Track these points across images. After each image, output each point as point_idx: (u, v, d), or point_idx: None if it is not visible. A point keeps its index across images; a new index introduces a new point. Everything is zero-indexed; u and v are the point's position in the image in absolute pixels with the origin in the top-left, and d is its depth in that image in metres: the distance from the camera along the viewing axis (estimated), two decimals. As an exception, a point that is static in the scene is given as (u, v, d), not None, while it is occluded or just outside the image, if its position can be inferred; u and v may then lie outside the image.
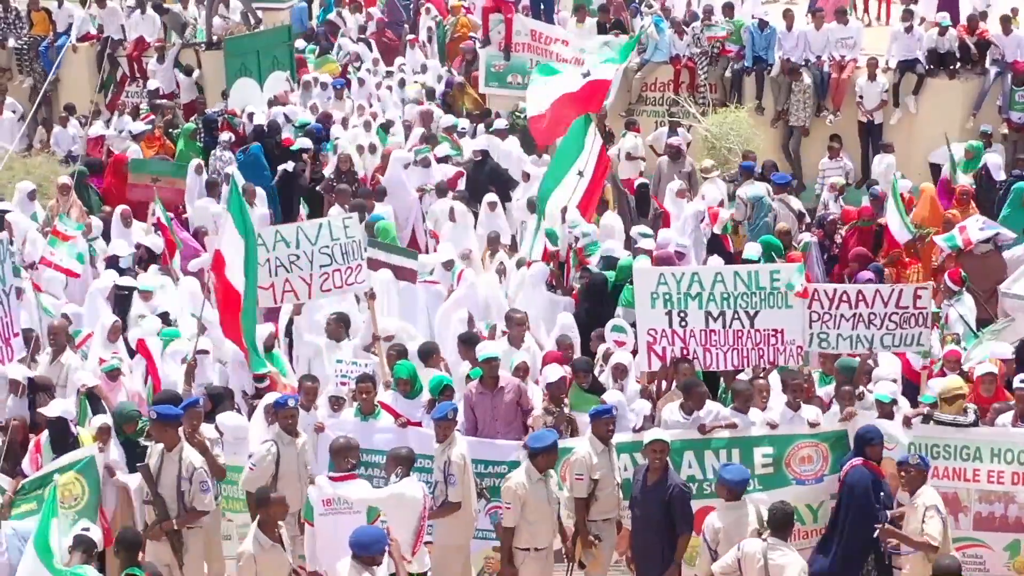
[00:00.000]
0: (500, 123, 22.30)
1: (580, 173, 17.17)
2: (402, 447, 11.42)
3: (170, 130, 23.09)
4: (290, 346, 14.87)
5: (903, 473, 11.04)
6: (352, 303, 15.55)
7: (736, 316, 12.63)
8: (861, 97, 22.42)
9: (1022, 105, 21.81)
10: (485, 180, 20.51)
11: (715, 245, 17.94)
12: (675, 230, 17.90)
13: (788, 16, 23.39)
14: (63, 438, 12.18)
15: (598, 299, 15.43)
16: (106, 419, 12.45)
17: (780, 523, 10.42)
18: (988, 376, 12.94)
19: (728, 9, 23.94)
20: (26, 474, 12.05)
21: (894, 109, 22.54)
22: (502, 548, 11.62)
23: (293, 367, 14.52)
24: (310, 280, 13.86)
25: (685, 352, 12.74)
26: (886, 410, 12.20)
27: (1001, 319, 14.63)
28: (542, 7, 25.48)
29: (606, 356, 13.86)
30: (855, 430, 11.87)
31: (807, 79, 22.52)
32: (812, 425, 12.21)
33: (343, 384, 13.24)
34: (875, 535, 11.07)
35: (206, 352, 14.02)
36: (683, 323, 12.69)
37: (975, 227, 16.56)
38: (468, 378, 13.17)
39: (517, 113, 23.19)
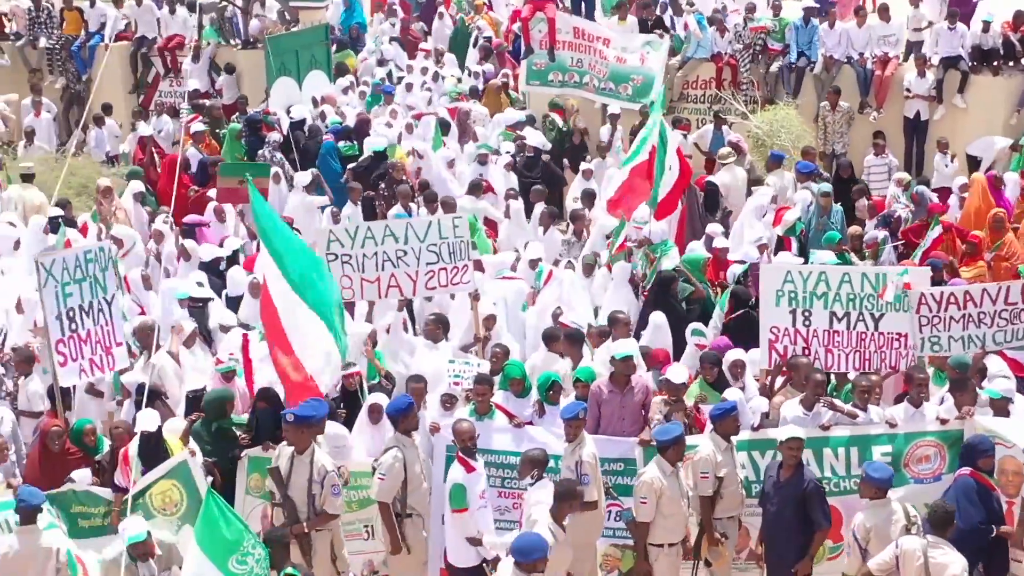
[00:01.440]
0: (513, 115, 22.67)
1: (669, 167, 17.18)
2: (535, 449, 11.46)
3: (215, 130, 22.98)
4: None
5: None
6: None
7: (861, 318, 12.71)
8: (909, 92, 22.56)
9: (1066, 101, 22.06)
10: (537, 176, 20.60)
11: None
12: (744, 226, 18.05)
13: (831, 14, 23.50)
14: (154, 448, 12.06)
15: (666, 297, 15.48)
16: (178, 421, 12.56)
17: (941, 521, 10.42)
18: None
19: (776, 8, 24.02)
20: (119, 486, 11.97)
21: (939, 105, 22.71)
22: (637, 545, 11.68)
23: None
24: (416, 276, 13.96)
25: (807, 352, 12.80)
26: (1000, 407, 12.20)
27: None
28: (583, 5, 25.46)
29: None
30: (971, 432, 11.88)
31: (843, 105, 22.66)
32: (943, 422, 12.20)
33: (456, 384, 13.25)
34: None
35: None
36: (807, 322, 12.77)
37: None
38: (577, 379, 13.10)
39: (551, 117, 23.40)
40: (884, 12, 23.33)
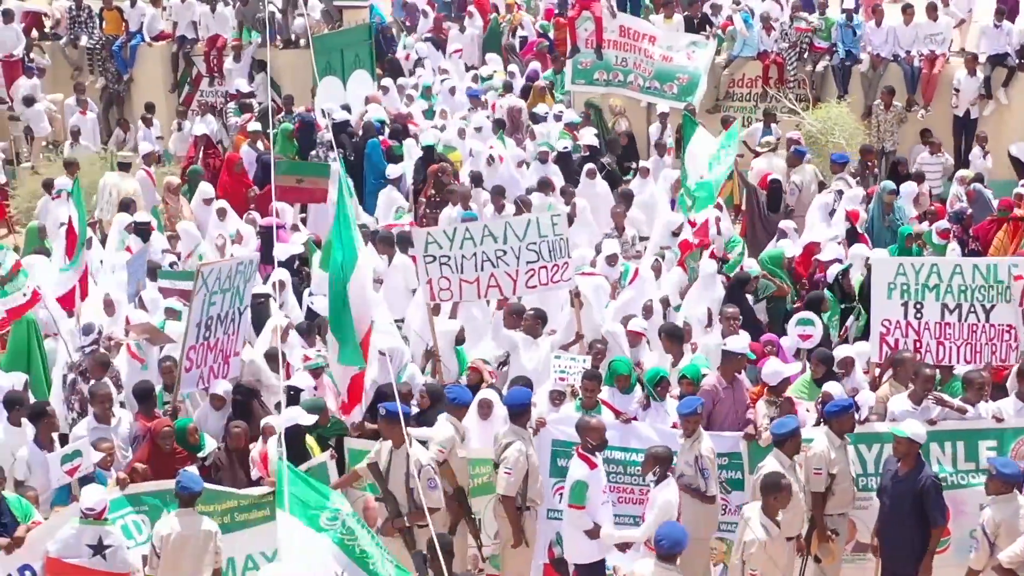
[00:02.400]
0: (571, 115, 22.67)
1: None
2: (659, 446, 11.49)
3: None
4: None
5: None
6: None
7: (972, 310, 12.76)
8: (957, 91, 22.70)
9: (1110, 98, 22.23)
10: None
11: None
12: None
13: (877, 12, 23.63)
14: (297, 446, 12.10)
15: (741, 294, 15.57)
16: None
17: None
18: None
19: (822, 7, 24.12)
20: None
21: (987, 102, 22.85)
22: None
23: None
24: (516, 276, 13.93)
25: (918, 344, 12.85)
26: None
27: None
28: (628, 3, 25.53)
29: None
30: None
31: (897, 105, 22.85)
32: None
33: (562, 380, 13.28)
34: None
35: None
36: (919, 315, 12.82)
37: None
38: (683, 375, 13.09)
39: (591, 101, 23.57)
40: (932, 11, 23.42)
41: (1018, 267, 12.81)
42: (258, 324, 14.99)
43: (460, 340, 14.52)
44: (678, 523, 10.45)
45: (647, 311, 15.04)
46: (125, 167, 20.60)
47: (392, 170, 20.43)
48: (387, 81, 25.55)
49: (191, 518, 10.93)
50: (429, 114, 24.37)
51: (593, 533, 11.42)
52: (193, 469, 12.02)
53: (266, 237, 17.71)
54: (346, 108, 23.11)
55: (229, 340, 13.30)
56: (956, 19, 23.88)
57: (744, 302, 15.44)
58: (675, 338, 14.03)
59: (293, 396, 13.06)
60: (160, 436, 12.35)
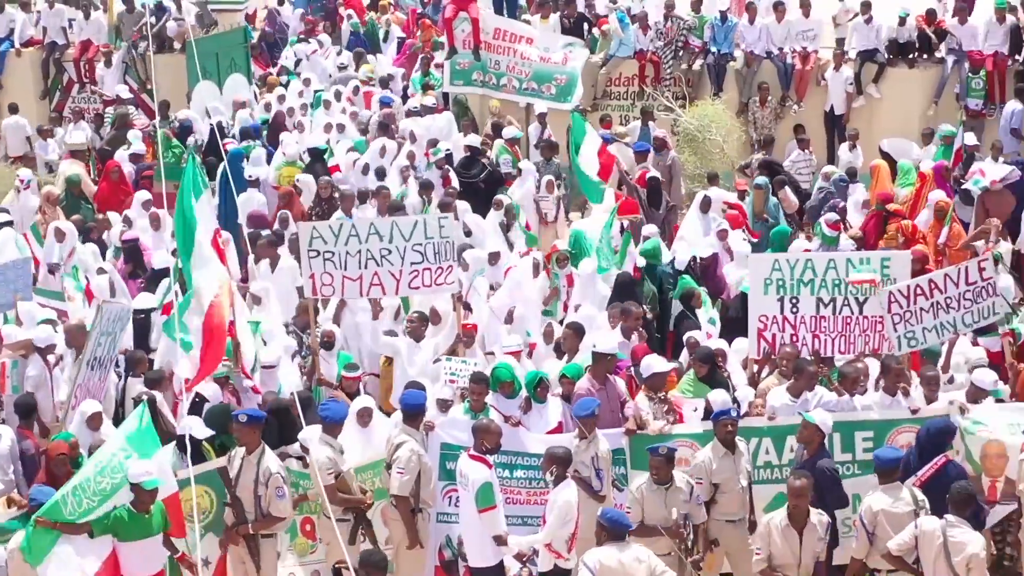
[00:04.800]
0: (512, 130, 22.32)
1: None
2: (558, 447, 11.54)
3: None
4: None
5: None
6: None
7: (846, 302, 12.97)
8: (825, 84, 23.24)
9: (978, 92, 22.75)
10: (476, 175, 20.75)
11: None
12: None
13: (751, 10, 23.99)
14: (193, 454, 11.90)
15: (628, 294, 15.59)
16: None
17: (962, 501, 10.67)
18: None
19: (696, 4, 24.42)
20: None
21: (858, 97, 23.31)
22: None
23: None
24: (399, 276, 13.88)
25: (795, 338, 13.05)
26: (981, 395, 12.49)
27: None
28: (504, 4, 25.59)
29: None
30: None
31: (772, 101, 23.31)
32: (913, 412, 12.47)
33: (452, 382, 13.30)
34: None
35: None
36: (795, 309, 13.02)
37: (992, 169, 18.47)
38: (563, 375, 13.21)
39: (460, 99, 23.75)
40: (805, 7, 23.81)
41: (891, 260, 13.08)
42: (142, 339, 14.81)
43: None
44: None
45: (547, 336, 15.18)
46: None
47: (252, 171, 20.20)
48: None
49: None
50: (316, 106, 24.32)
51: (501, 541, 11.46)
52: None
53: (131, 251, 17.34)
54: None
55: (99, 386, 13.27)
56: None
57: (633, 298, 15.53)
58: (580, 334, 14.07)
59: (198, 404, 13.03)
60: (54, 463, 12.07)
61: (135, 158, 21.10)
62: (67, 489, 10.53)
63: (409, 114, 23.28)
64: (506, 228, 18.42)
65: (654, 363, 12.92)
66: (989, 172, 18.38)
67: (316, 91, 25.17)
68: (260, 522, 11.53)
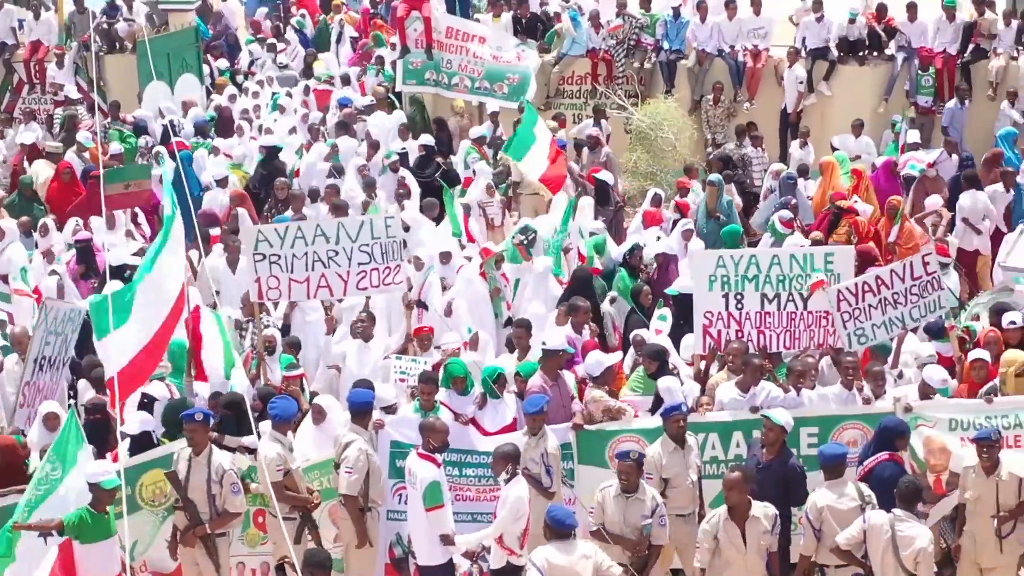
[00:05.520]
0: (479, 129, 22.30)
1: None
2: (506, 444, 11.56)
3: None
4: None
5: (986, 450, 11.27)
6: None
7: (791, 298, 13.05)
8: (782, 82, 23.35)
9: (928, 89, 22.91)
10: (430, 175, 20.70)
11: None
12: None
13: (702, 8, 24.05)
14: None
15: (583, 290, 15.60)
16: None
17: (909, 495, 10.71)
18: (979, 363, 13.16)
19: (645, 2, 24.49)
20: None
21: (809, 94, 23.44)
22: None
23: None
24: (347, 277, 13.87)
25: (740, 334, 13.11)
26: (929, 391, 12.59)
27: (994, 290, 15.39)
28: (457, 3, 25.58)
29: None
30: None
31: (724, 100, 23.38)
32: (866, 402, 12.60)
33: (402, 381, 13.29)
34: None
35: None
36: (739, 305, 13.08)
37: (925, 154, 19.57)
38: (517, 373, 13.23)
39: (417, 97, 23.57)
40: (756, 5, 23.87)
41: (834, 255, 13.15)
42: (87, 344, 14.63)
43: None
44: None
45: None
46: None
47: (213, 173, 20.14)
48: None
49: None
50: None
51: (448, 540, 11.47)
52: None
53: (83, 252, 17.27)
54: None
55: (52, 387, 13.22)
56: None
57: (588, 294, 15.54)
58: (528, 329, 14.08)
59: (147, 404, 12.97)
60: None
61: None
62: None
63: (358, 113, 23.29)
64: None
65: (602, 358, 12.99)
66: (923, 157, 19.20)
67: (275, 93, 25.12)
68: (216, 521, 11.52)
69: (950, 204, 18.47)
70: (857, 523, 10.78)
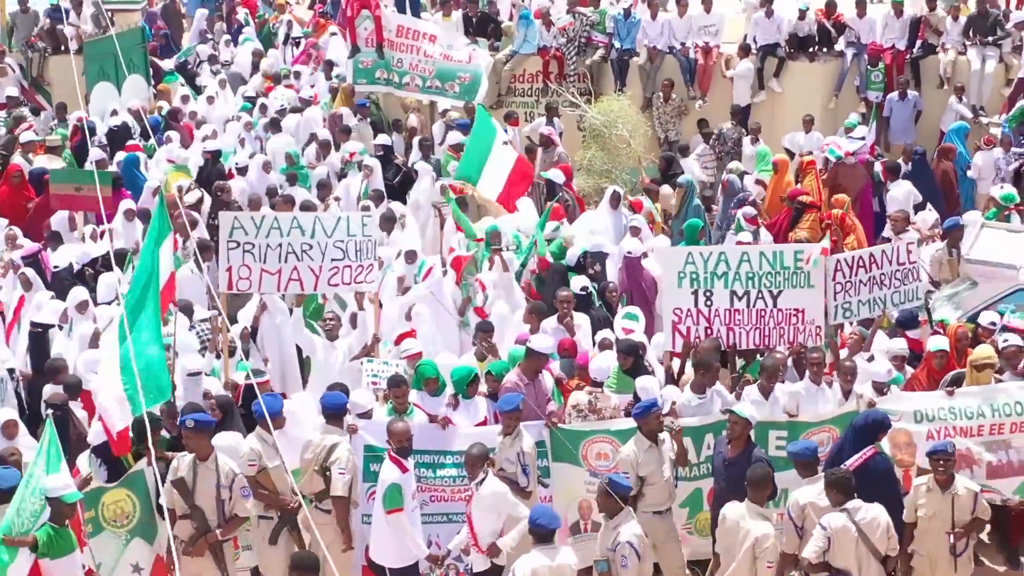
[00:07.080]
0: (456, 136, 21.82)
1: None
2: (475, 446, 11.53)
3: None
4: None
5: (942, 463, 11.21)
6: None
7: (760, 295, 13.05)
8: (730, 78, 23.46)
9: (877, 85, 23.11)
10: (392, 176, 20.71)
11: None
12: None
13: (652, 5, 24.10)
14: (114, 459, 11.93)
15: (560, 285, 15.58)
16: None
17: (846, 488, 10.74)
18: (940, 353, 13.41)
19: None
20: None
21: (759, 91, 23.55)
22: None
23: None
24: (319, 272, 13.79)
25: (709, 331, 13.11)
26: (883, 385, 12.70)
27: (958, 283, 15.51)
28: (407, 2, 25.46)
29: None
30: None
31: (675, 97, 23.42)
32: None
33: (374, 384, 13.21)
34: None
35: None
36: (708, 302, 13.08)
37: (847, 143, 20.16)
38: (489, 373, 13.23)
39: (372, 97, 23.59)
40: (707, 3, 23.94)
41: (803, 252, 13.19)
42: (39, 355, 14.58)
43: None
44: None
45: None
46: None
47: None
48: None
49: None
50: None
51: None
52: None
53: (32, 266, 16.80)
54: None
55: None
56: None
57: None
58: (490, 334, 14.11)
59: None
60: None
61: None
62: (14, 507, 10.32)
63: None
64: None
65: (605, 363, 13.04)
66: (844, 145, 19.77)
67: (247, 97, 24.98)
68: (226, 526, 11.44)
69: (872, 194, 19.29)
70: (819, 532, 10.70)
